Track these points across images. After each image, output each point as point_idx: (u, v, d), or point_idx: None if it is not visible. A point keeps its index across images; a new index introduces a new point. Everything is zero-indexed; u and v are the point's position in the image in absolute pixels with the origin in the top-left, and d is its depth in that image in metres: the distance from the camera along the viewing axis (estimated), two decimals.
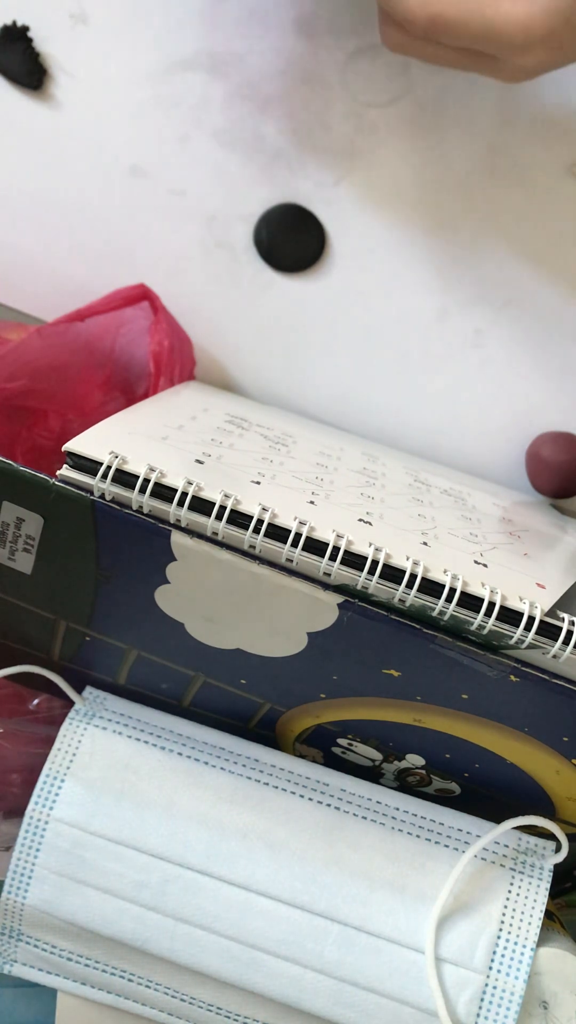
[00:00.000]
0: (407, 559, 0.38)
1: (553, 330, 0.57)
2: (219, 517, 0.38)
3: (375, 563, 0.38)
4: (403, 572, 0.38)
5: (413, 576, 0.38)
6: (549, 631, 0.38)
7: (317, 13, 0.53)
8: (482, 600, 0.38)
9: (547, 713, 0.40)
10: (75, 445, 0.38)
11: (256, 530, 0.38)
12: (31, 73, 0.55)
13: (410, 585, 0.38)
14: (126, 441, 0.40)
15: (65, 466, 0.38)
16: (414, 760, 0.46)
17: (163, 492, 0.38)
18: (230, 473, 0.41)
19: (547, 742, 0.42)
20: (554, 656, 0.38)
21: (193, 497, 0.38)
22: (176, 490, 0.38)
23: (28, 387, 0.52)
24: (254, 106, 0.55)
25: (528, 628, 0.38)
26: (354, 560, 0.38)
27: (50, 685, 0.48)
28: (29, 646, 0.47)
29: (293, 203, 0.56)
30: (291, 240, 0.56)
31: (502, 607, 0.38)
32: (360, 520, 0.40)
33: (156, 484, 0.38)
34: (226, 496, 0.38)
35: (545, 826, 0.43)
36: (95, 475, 0.38)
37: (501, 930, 0.42)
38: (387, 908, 0.43)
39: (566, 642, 0.38)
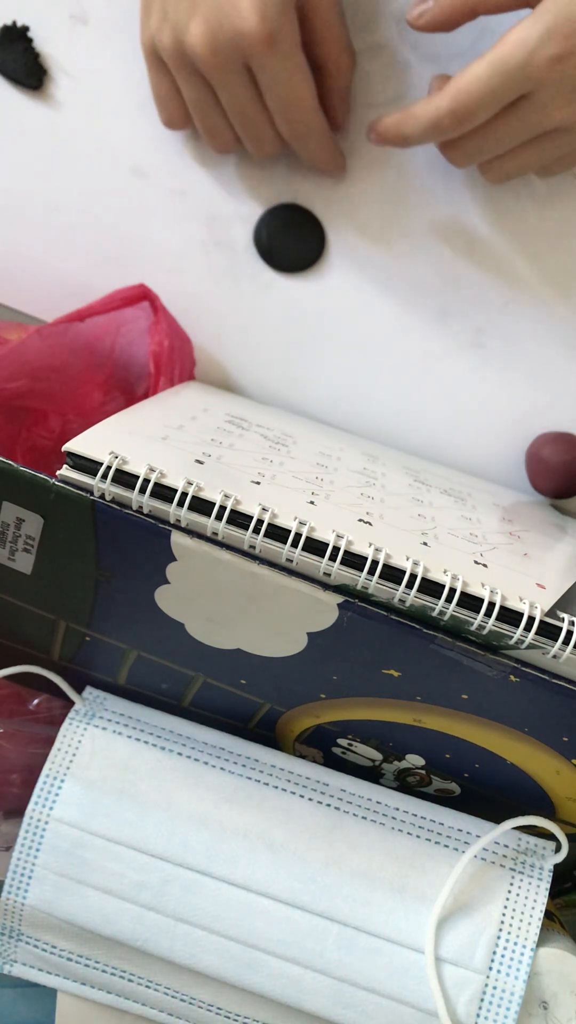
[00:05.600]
0: (407, 559, 0.38)
1: (553, 330, 0.57)
2: (219, 517, 0.38)
3: (375, 563, 0.38)
4: (403, 572, 0.38)
5: (413, 576, 0.38)
6: (549, 631, 0.38)
7: None
8: (482, 600, 0.38)
9: (547, 713, 0.40)
10: (75, 445, 0.38)
11: (256, 530, 0.38)
12: (31, 73, 0.55)
13: (410, 585, 0.38)
14: (126, 441, 0.40)
15: (65, 466, 0.38)
16: (414, 760, 0.46)
17: (163, 492, 0.38)
18: (230, 473, 0.41)
19: (547, 742, 0.42)
20: (554, 656, 0.38)
21: (193, 497, 0.38)
22: (176, 490, 0.38)
23: (28, 387, 0.52)
24: None
25: (528, 628, 0.38)
26: (354, 560, 0.38)
27: (50, 685, 0.48)
28: (29, 646, 0.47)
29: (293, 203, 0.56)
30: (291, 240, 0.56)
31: (502, 607, 0.38)
32: (360, 520, 0.40)
33: (156, 484, 0.38)
34: (226, 496, 0.38)
35: (545, 826, 0.43)
36: (95, 475, 0.38)
37: (501, 930, 0.42)
38: (387, 908, 0.43)
39: (566, 642, 0.38)
